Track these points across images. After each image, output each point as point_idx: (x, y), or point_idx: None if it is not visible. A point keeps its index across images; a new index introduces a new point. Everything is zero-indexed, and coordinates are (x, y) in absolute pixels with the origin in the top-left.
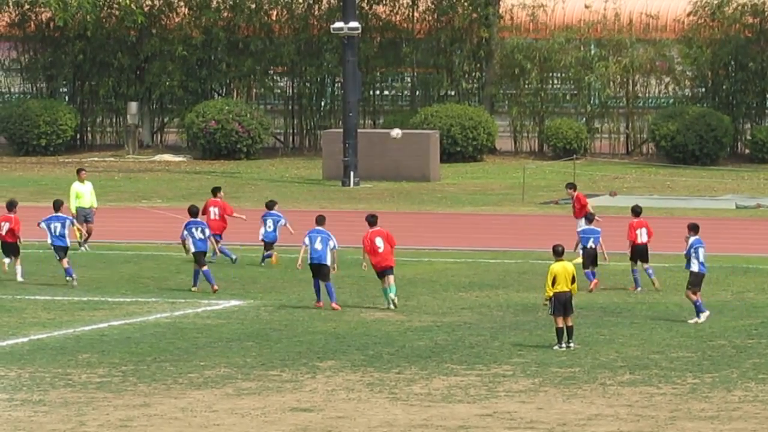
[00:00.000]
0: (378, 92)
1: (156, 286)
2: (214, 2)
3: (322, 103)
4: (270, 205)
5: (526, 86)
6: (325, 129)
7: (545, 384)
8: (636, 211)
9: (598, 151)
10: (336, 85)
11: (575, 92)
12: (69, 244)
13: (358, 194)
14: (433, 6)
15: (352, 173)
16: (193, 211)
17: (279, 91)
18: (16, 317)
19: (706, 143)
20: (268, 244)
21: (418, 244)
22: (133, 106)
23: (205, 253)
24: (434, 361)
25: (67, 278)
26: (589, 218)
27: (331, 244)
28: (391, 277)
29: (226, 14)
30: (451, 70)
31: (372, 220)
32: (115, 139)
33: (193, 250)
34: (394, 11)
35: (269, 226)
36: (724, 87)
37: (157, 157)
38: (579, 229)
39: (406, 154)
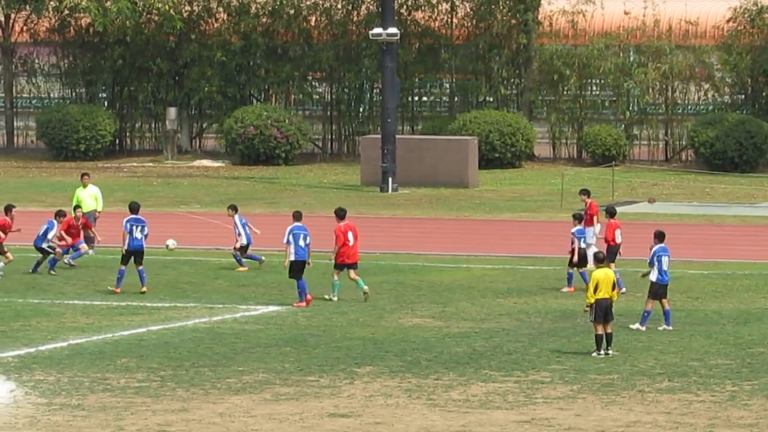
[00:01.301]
0: (416, 98)
1: (194, 291)
2: (253, 8)
3: (361, 109)
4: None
5: (565, 92)
6: (364, 135)
7: (583, 391)
8: (611, 212)
9: (636, 157)
10: (374, 90)
11: (614, 99)
12: (44, 246)
13: (396, 200)
14: (471, 12)
15: (390, 179)
16: (133, 208)
17: (317, 96)
18: (55, 322)
19: (745, 150)
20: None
21: (456, 250)
22: (172, 112)
23: (142, 253)
24: (472, 368)
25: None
26: (578, 218)
27: (308, 240)
28: (354, 272)
29: (264, 20)
30: (490, 76)
31: (342, 213)
32: (154, 145)
33: (127, 248)
34: (433, 17)
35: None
36: (763, 94)
37: (196, 163)
38: (573, 230)
39: (445, 161)
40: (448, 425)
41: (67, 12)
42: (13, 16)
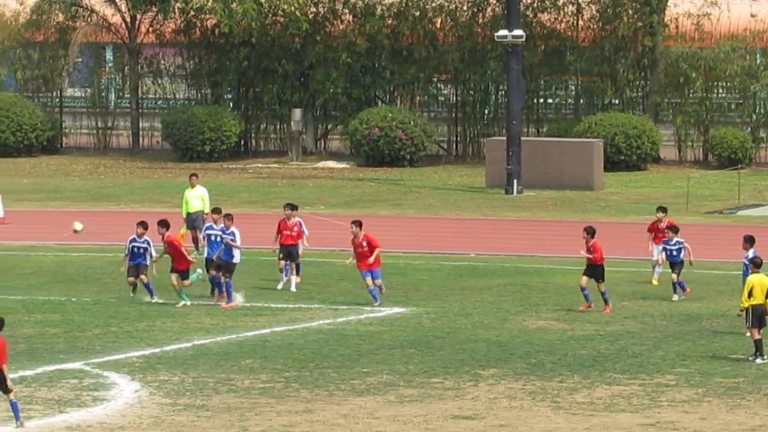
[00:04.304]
0: (542, 100)
1: (318, 293)
2: (379, 10)
3: (486, 111)
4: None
5: (691, 95)
6: (489, 137)
7: (709, 394)
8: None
9: (763, 160)
10: (500, 92)
11: (740, 101)
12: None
13: (521, 202)
14: (597, 14)
15: (515, 181)
16: None
17: (443, 98)
18: (180, 322)
19: None
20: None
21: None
22: (297, 113)
23: None
24: (597, 370)
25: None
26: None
27: None
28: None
29: (390, 22)
30: (615, 78)
31: (164, 223)
32: (279, 146)
33: None
34: (559, 19)
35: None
36: None
37: (321, 164)
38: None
39: (570, 163)
40: (572, 428)
41: (192, 13)
42: (139, 17)
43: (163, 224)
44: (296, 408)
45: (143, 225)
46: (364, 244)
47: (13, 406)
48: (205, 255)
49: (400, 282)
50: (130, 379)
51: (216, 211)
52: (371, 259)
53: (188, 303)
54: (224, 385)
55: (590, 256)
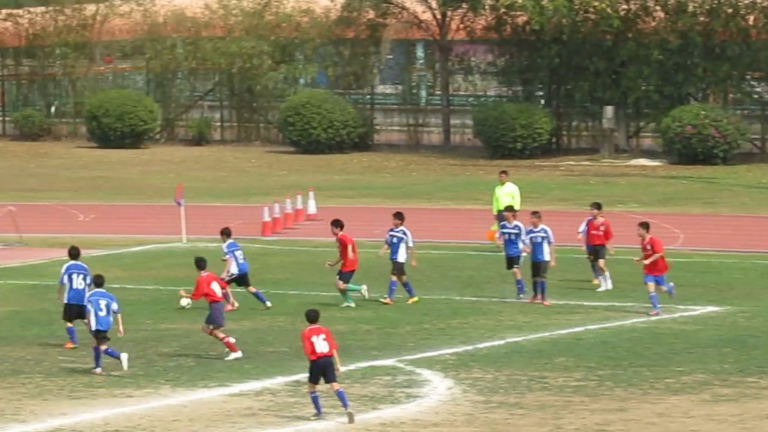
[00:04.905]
0: None
1: (632, 291)
2: (691, 7)
3: None
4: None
5: None
6: None
7: None
8: None
9: None
10: None
11: None
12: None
13: None
14: None
15: None
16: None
17: (756, 96)
18: (493, 320)
19: None
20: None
21: None
22: (609, 110)
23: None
24: None
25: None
26: None
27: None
28: None
29: (702, 19)
30: None
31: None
32: (591, 143)
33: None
34: None
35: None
36: None
37: (633, 162)
38: None
39: None
40: None
41: (503, 10)
42: (449, 13)
43: (337, 224)
44: (610, 406)
45: (399, 216)
46: (649, 247)
47: (340, 395)
48: (505, 253)
49: (713, 280)
50: (443, 376)
51: (508, 209)
52: (646, 261)
53: (352, 305)
54: (538, 382)
55: None
